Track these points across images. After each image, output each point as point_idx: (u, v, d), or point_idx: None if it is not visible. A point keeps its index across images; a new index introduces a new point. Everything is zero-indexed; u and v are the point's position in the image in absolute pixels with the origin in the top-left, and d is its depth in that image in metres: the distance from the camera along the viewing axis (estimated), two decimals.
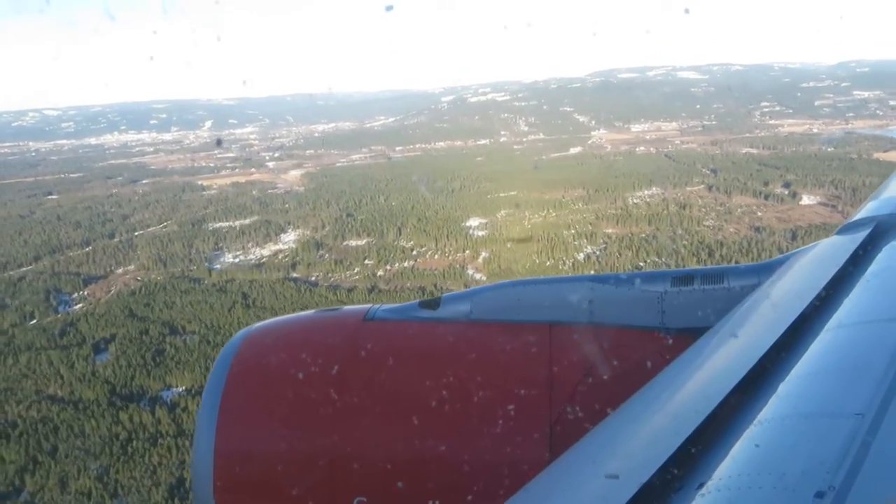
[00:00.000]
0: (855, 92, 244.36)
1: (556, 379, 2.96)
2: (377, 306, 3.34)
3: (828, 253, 3.01)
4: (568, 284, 3.34)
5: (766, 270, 3.16)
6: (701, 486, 1.52)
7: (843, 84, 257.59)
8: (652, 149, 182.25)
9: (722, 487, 1.48)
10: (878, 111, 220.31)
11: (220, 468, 2.93)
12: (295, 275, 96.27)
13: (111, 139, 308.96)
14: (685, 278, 3.20)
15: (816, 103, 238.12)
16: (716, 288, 3.14)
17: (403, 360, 3.16)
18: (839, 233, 3.29)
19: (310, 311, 3.56)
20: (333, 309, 3.51)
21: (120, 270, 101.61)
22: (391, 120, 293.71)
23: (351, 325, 3.25)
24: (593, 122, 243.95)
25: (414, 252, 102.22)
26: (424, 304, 3.32)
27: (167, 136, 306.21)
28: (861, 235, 2.98)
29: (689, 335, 2.92)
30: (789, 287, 2.83)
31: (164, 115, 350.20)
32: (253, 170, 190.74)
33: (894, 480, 1.37)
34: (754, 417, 1.71)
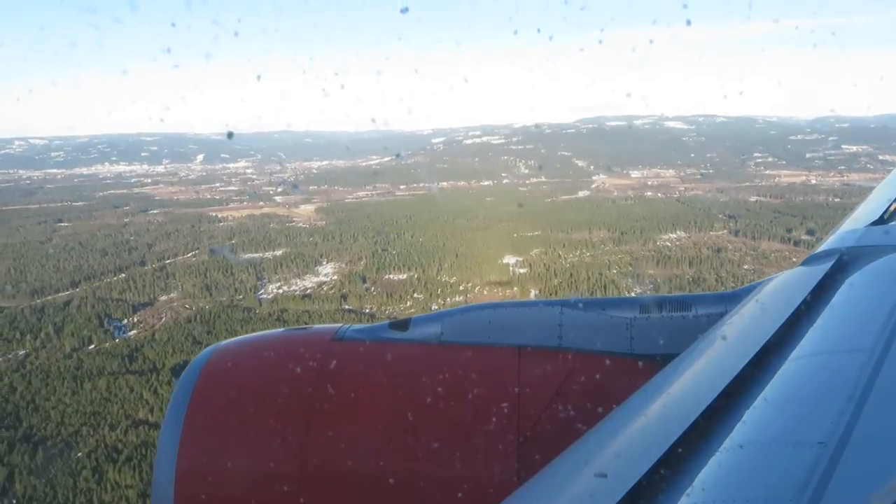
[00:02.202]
0: (843, 146, 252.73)
1: (524, 402, 2.97)
2: (347, 326, 3.34)
3: (792, 284, 3.08)
4: (538, 308, 3.36)
5: (731, 299, 3.22)
6: None
7: (831, 138, 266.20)
8: (659, 194, 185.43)
9: None
10: (868, 165, 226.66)
11: (181, 489, 2.86)
12: (347, 306, 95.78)
13: (103, 169, 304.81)
14: (654, 305, 3.26)
15: (807, 155, 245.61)
16: (683, 315, 3.20)
17: (372, 380, 3.17)
18: (804, 264, 3.33)
19: (279, 330, 3.54)
20: (303, 328, 3.50)
21: (164, 298, 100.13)
22: (386, 159, 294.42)
23: (320, 345, 3.21)
24: (592, 167, 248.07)
25: (461, 287, 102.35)
26: (394, 325, 3.33)
27: (160, 168, 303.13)
28: (824, 267, 3.03)
29: (657, 362, 2.97)
30: (755, 316, 2.86)
31: (155, 148, 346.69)
32: (262, 203, 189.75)
33: None
34: (719, 445, 1.71)
